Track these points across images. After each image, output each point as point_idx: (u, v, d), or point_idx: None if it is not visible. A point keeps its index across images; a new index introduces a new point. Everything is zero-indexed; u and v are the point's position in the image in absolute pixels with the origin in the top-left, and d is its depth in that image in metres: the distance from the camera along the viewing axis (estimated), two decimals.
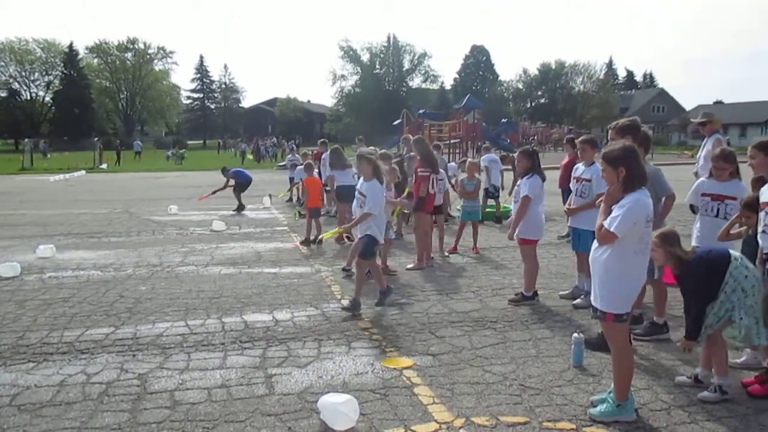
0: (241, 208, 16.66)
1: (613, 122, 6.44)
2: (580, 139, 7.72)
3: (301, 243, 11.57)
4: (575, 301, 7.29)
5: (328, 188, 13.53)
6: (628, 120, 6.26)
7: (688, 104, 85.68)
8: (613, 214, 4.21)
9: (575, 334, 5.49)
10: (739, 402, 4.64)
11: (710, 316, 4.56)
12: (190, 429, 4.29)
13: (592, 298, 4.50)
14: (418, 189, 9.51)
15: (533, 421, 4.37)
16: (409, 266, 9.42)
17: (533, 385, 4.99)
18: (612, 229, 4.16)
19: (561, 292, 7.69)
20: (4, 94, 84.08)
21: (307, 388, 4.98)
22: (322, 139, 17.56)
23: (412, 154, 13.78)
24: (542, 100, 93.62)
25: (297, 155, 21.36)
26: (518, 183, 7.66)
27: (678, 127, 70.13)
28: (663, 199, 6.07)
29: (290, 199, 18.79)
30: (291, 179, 18.73)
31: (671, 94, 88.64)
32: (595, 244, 4.39)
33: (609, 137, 6.39)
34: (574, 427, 4.29)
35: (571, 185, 7.50)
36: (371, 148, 13.21)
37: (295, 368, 5.40)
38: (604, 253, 4.29)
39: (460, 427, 4.29)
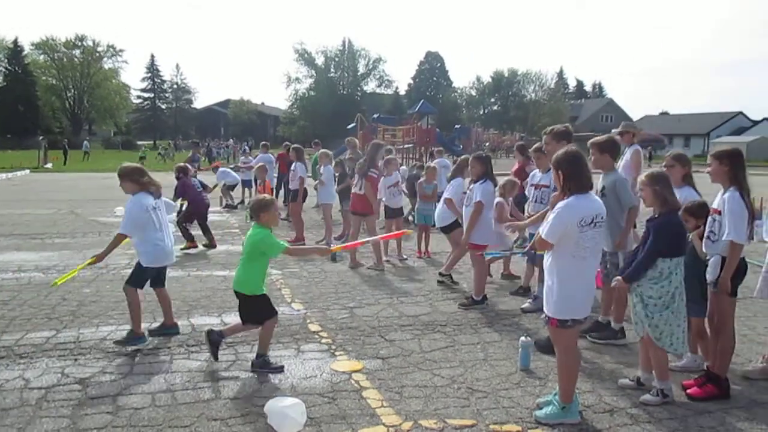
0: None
1: (548, 128, 6.63)
2: (533, 147, 7.83)
3: None
4: (523, 305, 7.39)
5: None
6: (562, 126, 6.47)
7: (635, 114, 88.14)
8: (546, 220, 4.34)
9: (522, 338, 5.57)
10: (679, 404, 4.77)
11: (655, 288, 4.64)
12: None
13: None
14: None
15: (480, 423, 4.40)
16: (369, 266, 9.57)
17: (481, 388, 5.03)
18: (543, 236, 4.28)
19: (522, 306, 7.58)
20: None
21: (254, 392, 4.93)
22: (287, 143, 17.34)
23: (351, 156, 13.77)
24: (495, 107, 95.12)
25: (251, 157, 21.16)
26: (470, 188, 7.73)
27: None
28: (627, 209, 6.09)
29: (242, 202, 18.49)
30: (246, 181, 18.55)
31: (619, 104, 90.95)
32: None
33: (543, 141, 6.60)
34: (520, 429, 4.34)
35: (527, 192, 7.62)
36: (324, 150, 13.17)
37: (242, 372, 5.34)
38: (548, 260, 4.43)
39: (408, 430, 4.29)
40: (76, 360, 5.58)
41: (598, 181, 6.16)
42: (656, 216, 4.77)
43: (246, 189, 18.65)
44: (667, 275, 4.63)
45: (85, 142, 56.09)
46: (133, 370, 5.36)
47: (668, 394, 4.77)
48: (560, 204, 4.31)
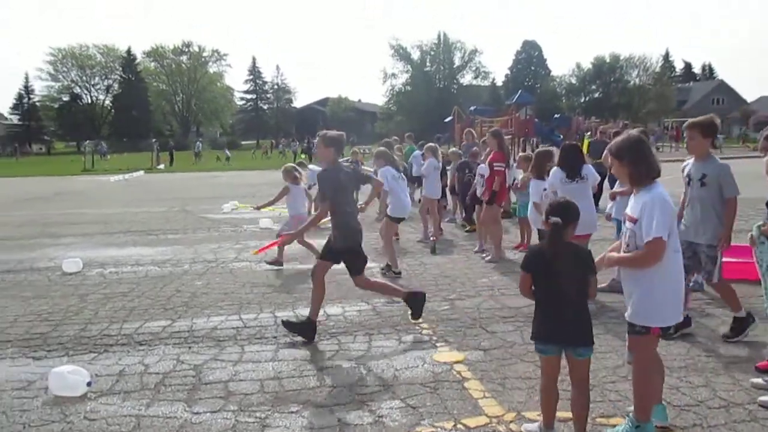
0: None
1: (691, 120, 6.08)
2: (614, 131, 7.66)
3: None
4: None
5: None
6: (708, 118, 5.85)
7: (750, 96, 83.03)
8: (642, 221, 3.64)
9: None
10: None
11: None
12: (243, 418, 4.37)
13: (627, 314, 3.89)
14: (492, 183, 9.70)
15: None
16: (487, 258, 9.67)
17: None
18: (656, 235, 3.55)
19: (600, 285, 7.43)
20: (66, 98, 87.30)
21: (358, 380, 5.01)
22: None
23: (475, 149, 13.75)
24: (596, 95, 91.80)
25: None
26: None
27: (739, 120, 68.04)
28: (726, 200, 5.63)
29: None
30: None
31: (731, 86, 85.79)
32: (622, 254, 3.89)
33: (686, 135, 6.03)
34: None
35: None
36: (431, 144, 13.15)
37: (345, 361, 5.44)
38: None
39: (511, 422, 4.25)
40: (190, 348, 5.88)
41: (688, 167, 5.87)
42: None
43: None
44: None
45: (198, 143, 58.51)
46: (243, 357, 5.58)
47: None
48: (653, 195, 3.66)
